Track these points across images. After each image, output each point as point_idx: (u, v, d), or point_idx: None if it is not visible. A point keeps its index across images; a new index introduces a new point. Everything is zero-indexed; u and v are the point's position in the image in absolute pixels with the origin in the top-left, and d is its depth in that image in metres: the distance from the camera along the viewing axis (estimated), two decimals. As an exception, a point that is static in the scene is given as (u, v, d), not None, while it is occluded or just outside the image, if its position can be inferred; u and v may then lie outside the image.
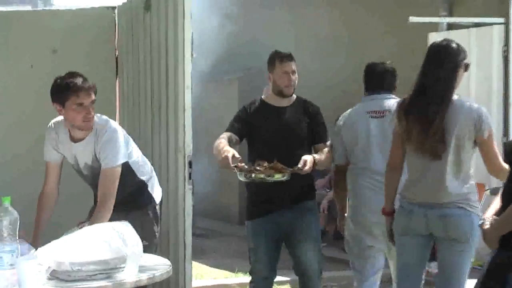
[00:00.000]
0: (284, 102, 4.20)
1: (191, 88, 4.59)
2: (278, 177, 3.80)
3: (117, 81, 5.46)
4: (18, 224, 2.98)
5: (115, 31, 5.64)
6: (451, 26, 7.52)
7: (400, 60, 7.66)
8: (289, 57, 4.20)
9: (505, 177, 3.20)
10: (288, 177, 3.83)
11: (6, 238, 2.93)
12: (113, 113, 5.24)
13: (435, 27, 7.44)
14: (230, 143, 3.99)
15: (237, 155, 3.83)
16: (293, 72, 4.14)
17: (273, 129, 4.12)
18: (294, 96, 4.23)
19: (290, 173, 3.83)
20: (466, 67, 3.48)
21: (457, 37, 6.77)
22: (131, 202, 3.76)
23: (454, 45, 3.48)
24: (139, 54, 5.03)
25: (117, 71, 5.45)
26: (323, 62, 9.04)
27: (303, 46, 8.93)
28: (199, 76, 8.86)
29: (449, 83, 3.41)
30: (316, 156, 3.97)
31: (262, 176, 3.80)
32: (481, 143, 3.44)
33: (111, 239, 3.10)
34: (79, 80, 3.56)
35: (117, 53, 5.46)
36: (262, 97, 4.37)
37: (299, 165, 3.83)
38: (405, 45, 7.85)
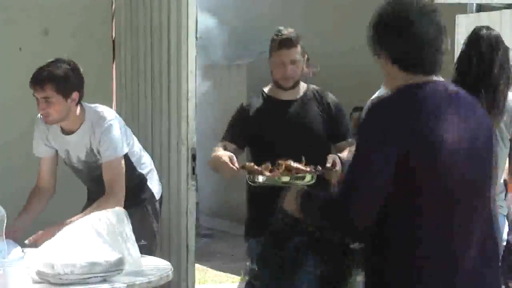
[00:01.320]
0: (291, 95, 3.78)
1: (195, 74, 4.63)
2: (308, 180, 3.24)
3: (114, 65, 5.52)
4: (5, 222, 3.01)
5: (112, 9, 5.66)
6: (481, 8, 7.56)
7: None
8: (287, 43, 3.71)
9: None
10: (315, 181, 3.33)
11: None
12: (109, 100, 5.29)
13: (463, 8, 7.48)
14: None
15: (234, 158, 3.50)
16: (293, 61, 3.68)
17: (277, 128, 3.71)
18: (305, 86, 3.84)
19: (316, 174, 3.31)
20: None
21: (488, 20, 6.98)
22: (130, 198, 3.80)
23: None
24: (138, 35, 5.06)
25: (113, 54, 5.49)
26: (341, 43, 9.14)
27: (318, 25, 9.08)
28: (204, 61, 8.95)
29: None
30: (342, 155, 3.55)
31: (287, 179, 3.22)
32: None
33: (107, 238, 3.13)
34: (39, 71, 3.59)
35: (114, 35, 5.49)
36: (264, 89, 3.91)
37: (327, 165, 3.40)
38: None
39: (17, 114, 5.18)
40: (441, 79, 2.23)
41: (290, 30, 3.71)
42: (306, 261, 2.54)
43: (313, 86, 3.88)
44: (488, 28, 3.72)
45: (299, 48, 3.66)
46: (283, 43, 3.64)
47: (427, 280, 2.12)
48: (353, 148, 2.73)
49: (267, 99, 3.77)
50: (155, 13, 4.96)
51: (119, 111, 5.16)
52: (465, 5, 7.50)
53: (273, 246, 2.65)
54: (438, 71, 2.23)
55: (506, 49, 3.63)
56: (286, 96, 3.75)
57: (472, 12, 7.48)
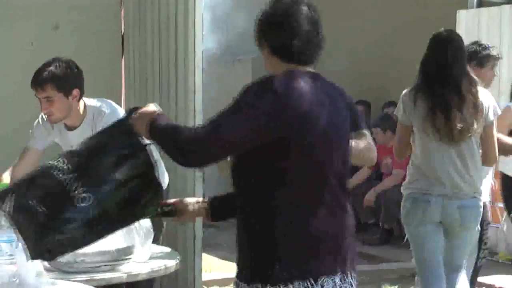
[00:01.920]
0: None
1: (202, 68, 4.70)
2: None
3: (123, 59, 5.60)
4: None
5: (121, 5, 5.73)
6: (481, 3, 7.68)
7: (427, 38, 8.14)
8: None
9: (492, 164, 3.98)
10: None
11: (4, 227, 3.03)
12: (118, 94, 5.36)
13: (464, 3, 7.62)
14: None
15: None
16: None
17: None
18: None
19: None
20: None
21: (488, 15, 7.41)
22: None
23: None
24: (146, 30, 5.13)
25: (122, 49, 5.58)
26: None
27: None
28: (210, 56, 9.05)
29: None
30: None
31: None
32: (485, 128, 3.84)
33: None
34: (38, 72, 3.62)
35: (123, 30, 5.57)
36: None
37: None
38: (433, 22, 8.03)
39: (29, 108, 5.28)
40: (312, 70, 2.48)
41: None
42: None
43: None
44: (448, 31, 4.04)
45: None
46: None
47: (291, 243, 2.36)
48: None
49: None
50: (162, 8, 5.01)
51: (127, 105, 5.23)
52: (466, 0, 7.66)
53: None
54: (312, 63, 2.48)
55: (460, 49, 3.92)
56: None
57: (472, 8, 7.64)
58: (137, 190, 2.46)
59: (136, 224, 3.35)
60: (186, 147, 2.34)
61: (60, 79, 3.60)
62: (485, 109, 3.82)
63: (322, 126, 2.40)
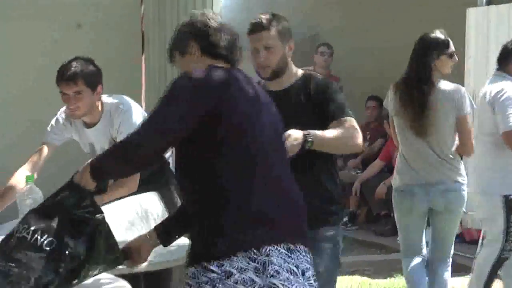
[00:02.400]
0: (277, 85, 3.25)
1: None
2: None
3: (143, 57, 5.66)
4: None
5: (141, 2, 5.79)
6: (490, 1, 7.60)
7: None
8: (257, 27, 3.22)
9: (468, 154, 4.25)
10: None
11: None
12: (138, 92, 5.43)
13: (473, 1, 7.54)
14: None
15: None
16: (266, 47, 3.17)
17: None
18: (298, 73, 3.31)
19: None
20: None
21: (497, 12, 7.29)
22: (153, 182, 3.85)
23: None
24: (166, 28, 5.18)
25: (143, 46, 5.63)
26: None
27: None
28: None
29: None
30: (316, 132, 3.01)
31: None
32: (459, 121, 4.14)
33: (135, 219, 3.19)
34: (66, 68, 3.65)
35: (143, 28, 5.63)
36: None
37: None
38: (442, 19, 8.01)
39: (55, 104, 5.37)
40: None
41: (269, 13, 3.26)
42: None
43: (307, 72, 3.39)
44: (432, 33, 4.30)
45: (273, 31, 3.12)
46: (253, 27, 3.18)
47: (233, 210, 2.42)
48: (339, 126, 3.11)
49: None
50: (181, 6, 5.08)
51: (147, 102, 5.29)
52: None
53: None
54: (235, 63, 2.65)
55: (428, 48, 4.22)
56: (273, 86, 3.22)
57: (482, 5, 7.57)
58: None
59: (155, 216, 3.40)
60: (136, 152, 2.43)
61: (89, 75, 3.65)
62: (457, 103, 4.12)
63: (245, 105, 2.51)
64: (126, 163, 2.49)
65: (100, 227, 2.48)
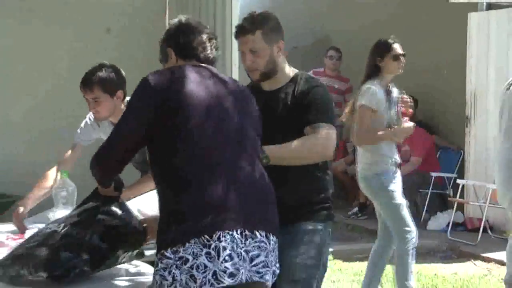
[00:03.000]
0: (270, 85, 3.17)
1: (238, 66, 5.00)
2: None
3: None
4: (76, 194, 3.51)
5: (166, 8, 6.03)
6: (490, 6, 7.83)
7: (439, 39, 8.37)
8: (241, 31, 3.15)
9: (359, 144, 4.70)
10: None
11: (65, 207, 3.47)
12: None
13: (474, 6, 7.79)
14: None
15: None
16: (252, 51, 3.08)
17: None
18: (291, 73, 3.18)
19: None
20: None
21: (496, 17, 7.71)
22: None
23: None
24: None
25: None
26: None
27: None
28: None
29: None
30: (272, 148, 2.90)
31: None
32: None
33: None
34: (86, 75, 3.88)
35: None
36: None
37: None
38: (445, 24, 8.28)
39: (83, 105, 5.59)
40: (209, 66, 2.74)
41: (255, 13, 3.13)
42: None
43: (297, 74, 3.24)
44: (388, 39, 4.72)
45: (257, 34, 3.01)
46: (238, 30, 3.10)
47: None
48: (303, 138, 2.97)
49: (251, 88, 3.11)
50: (203, 12, 5.34)
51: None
52: (476, 4, 7.81)
53: None
54: (209, 61, 2.75)
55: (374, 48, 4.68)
56: (267, 86, 3.16)
57: (482, 10, 7.81)
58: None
59: None
60: (100, 159, 2.67)
61: (106, 82, 3.86)
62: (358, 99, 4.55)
63: (199, 101, 2.59)
64: (99, 168, 2.71)
65: (123, 222, 2.82)
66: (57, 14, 6.37)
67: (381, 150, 4.69)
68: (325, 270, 3.16)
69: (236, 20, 5.08)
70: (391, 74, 4.80)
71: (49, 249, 2.74)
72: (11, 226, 3.69)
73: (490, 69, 7.86)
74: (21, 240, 3.19)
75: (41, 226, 3.21)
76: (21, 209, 3.72)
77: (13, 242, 3.34)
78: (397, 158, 4.72)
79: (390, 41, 4.83)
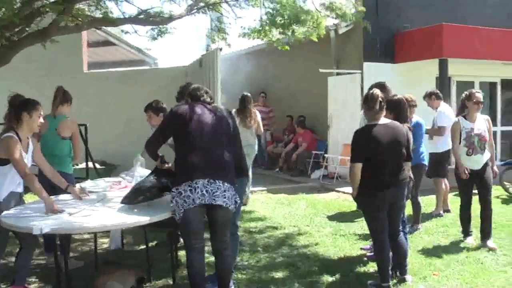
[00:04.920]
0: None
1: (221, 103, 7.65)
2: None
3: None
4: (145, 162, 5.43)
5: (186, 77, 9.55)
6: (338, 74, 11.62)
7: (312, 92, 12.95)
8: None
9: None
10: None
11: (142, 168, 5.32)
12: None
13: (330, 74, 11.70)
14: None
15: None
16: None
17: None
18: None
19: None
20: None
21: (340, 80, 11.24)
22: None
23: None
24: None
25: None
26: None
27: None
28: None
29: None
30: None
31: None
32: None
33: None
34: (148, 103, 5.65)
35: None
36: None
37: None
38: (317, 83, 12.19)
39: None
40: (202, 103, 4.18)
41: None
42: None
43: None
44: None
45: None
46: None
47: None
48: None
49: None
50: (205, 81, 8.14)
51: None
52: (332, 72, 11.45)
53: None
54: (199, 99, 4.21)
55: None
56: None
57: (333, 75, 11.37)
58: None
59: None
60: (148, 146, 4.22)
61: (155, 108, 5.73)
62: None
63: (194, 121, 4.01)
64: (147, 149, 4.17)
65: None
66: (139, 80, 10.05)
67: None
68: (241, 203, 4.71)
69: (219, 82, 8.01)
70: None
71: (145, 189, 4.42)
72: (113, 179, 5.71)
73: (338, 103, 11.58)
74: (119, 187, 5.16)
75: (129, 178, 5.34)
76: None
77: (116, 187, 5.25)
78: None
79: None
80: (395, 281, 4.99)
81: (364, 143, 4.64)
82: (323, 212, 8.39)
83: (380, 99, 4.70)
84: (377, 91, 4.75)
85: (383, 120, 4.79)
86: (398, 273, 5.02)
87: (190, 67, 10.35)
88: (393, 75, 10.40)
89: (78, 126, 5.83)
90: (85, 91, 10.41)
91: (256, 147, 8.21)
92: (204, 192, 4.06)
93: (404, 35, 11.19)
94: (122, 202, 4.42)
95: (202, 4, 7.32)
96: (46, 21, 6.58)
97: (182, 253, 5.21)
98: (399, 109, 5.04)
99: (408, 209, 5.11)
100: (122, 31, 8.81)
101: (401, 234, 5.05)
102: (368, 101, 4.73)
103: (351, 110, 11.02)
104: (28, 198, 5.23)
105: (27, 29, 6.37)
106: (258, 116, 8.37)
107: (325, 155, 11.92)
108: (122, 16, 7.31)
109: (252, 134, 8.08)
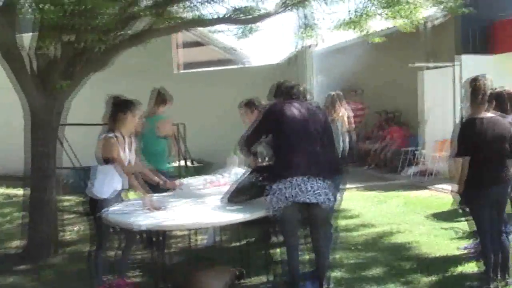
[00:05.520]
0: None
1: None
2: None
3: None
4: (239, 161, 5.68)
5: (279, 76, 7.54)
6: (428, 68, 11.39)
7: (403, 87, 12.99)
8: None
9: None
10: None
11: (238, 167, 5.53)
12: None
13: (420, 68, 11.51)
14: None
15: None
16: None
17: None
18: None
19: None
20: None
21: (433, 74, 11.19)
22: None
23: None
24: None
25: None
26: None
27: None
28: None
29: None
30: None
31: None
32: None
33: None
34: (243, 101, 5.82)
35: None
36: None
37: None
38: (406, 78, 12.22)
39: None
40: (297, 101, 4.29)
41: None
42: None
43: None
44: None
45: None
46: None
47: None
48: None
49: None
50: (295, 78, 7.68)
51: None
52: (423, 67, 11.39)
53: None
54: (295, 97, 4.34)
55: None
56: None
57: (426, 69, 11.34)
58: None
59: None
60: (243, 143, 4.29)
61: (248, 105, 5.80)
62: None
63: (291, 118, 4.12)
64: (241, 148, 4.31)
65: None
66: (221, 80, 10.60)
67: None
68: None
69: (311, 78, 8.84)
70: None
71: (247, 188, 4.50)
72: (209, 176, 5.45)
73: (431, 98, 11.54)
74: (215, 184, 5.16)
75: (226, 175, 5.39)
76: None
77: (212, 184, 5.19)
78: None
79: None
80: (497, 283, 4.86)
81: (470, 137, 4.60)
82: (418, 210, 8.49)
83: (483, 91, 4.65)
84: (482, 82, 4.68)
85: (486, 113, 4.72)
86: (499, 275, 4.89)
87: (280, 65, 10.68)
88: (492, 68, 10.17)
89: (174, 126, 6.07)
90: (176, 91, 10.39)
91: (341, 144, 8.40)
92: (300, 189, 4.15)
93: (504, 24, 10.97)
94: (224, 200, 4.54)
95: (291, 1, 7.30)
96: (138, 25, 6.85)
97: (273, 251, 5.35)
98: (499, 102, 4.95)
99: (508, 208, 4.95)
100: (211, 31, 9.20)
101: (504, 234, 4.94)
102: (473, 92, 4.67)
103: (443, 106, 11.05)
104: (130, 195, 5.51)
105: (122, 33, 6.61)
106: (346, 115, 8.66)
107: (416, 151, 11.94)
108: (212, 17, 7.42)
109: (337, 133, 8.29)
